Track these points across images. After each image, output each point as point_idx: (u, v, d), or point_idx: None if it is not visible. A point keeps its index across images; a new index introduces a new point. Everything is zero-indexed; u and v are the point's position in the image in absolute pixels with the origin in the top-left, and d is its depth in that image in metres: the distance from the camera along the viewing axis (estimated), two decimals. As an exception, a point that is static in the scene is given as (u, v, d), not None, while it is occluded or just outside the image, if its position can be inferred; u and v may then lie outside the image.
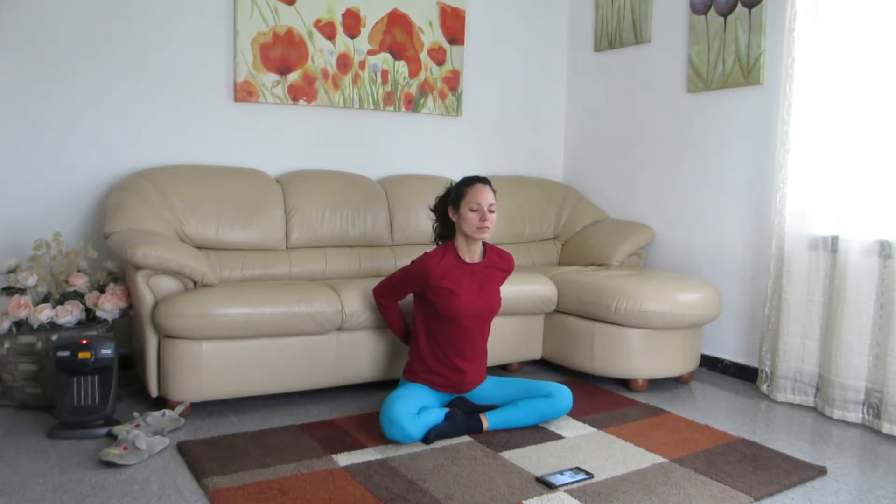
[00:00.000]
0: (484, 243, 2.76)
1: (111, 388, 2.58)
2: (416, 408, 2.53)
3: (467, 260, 2.70)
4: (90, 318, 2.86)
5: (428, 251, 2.72)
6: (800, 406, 3.13)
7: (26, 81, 3.11)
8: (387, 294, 2.83)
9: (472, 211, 2.62)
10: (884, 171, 2.85)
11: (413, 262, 2.71)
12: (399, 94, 3.97)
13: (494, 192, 2.70)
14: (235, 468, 2.26)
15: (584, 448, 2.53)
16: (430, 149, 4.13)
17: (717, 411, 3.04)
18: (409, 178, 3.88)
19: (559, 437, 2.63)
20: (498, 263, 2.79)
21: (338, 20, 3.74)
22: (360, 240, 3.59)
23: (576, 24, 4.51)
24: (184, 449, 2.41)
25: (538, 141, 4.55)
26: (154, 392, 2.73)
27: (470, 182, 2.69)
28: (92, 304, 2.82)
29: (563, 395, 2.72)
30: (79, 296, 2.85)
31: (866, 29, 2.89)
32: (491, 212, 2.64)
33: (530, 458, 2.42)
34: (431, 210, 2.84)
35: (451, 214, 2.70)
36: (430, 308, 2.66)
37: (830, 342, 2.98)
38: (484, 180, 2.70)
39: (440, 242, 2.81)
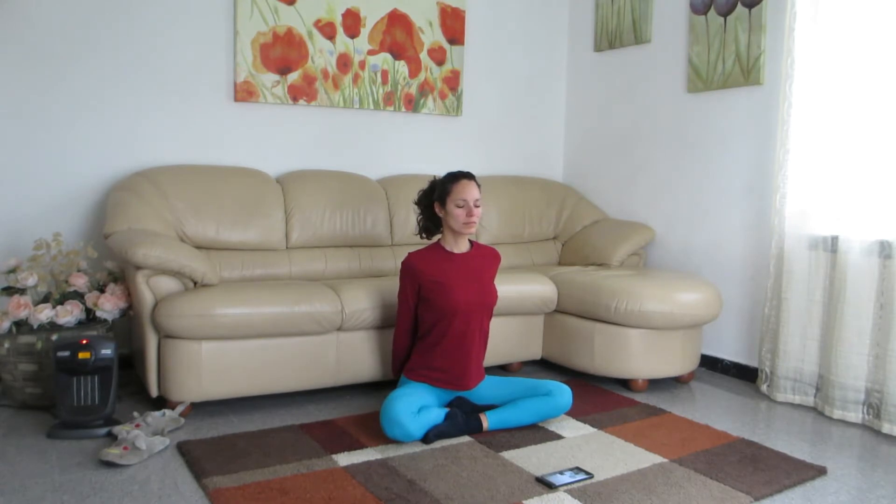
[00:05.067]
0: (470, 240, 2.82)
1: (111, 388, 2.58)
2: (417, 406, 2.53)
3: (456, 251, 2.74)
4: (90, 318, 2.86)
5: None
6: (800, 406, 3.13)
7: (26, 81, 3.11)
8: (401, 323, 2.77)
9: (458, 207, 2.67)
10: (884, 171, 2.84)
11: (400, 268, 2.75)
12: (399, 94, 3.97)
13: (479, 185, 2.73)
14: (235, 468, 2.26)
15: (584, 448, 2.53)
16: (430, 149, 4.13)
17: (717, 411, 3.04)
18: (409, 178, 3.88)
19: (559, 437, 2.63)
20: (486, 251, 2.84)
21: (338, 20, 3.74)
22: (360, 240, 3.59)
23: (576, 24, 4.51)
24: (184, 449, 2.41)
25: (538, 141, 4.55)
26: (154, 392, 2.73)
27: (455, 178, 2.71)
28: (92, 304, 2.82)
29: (563, 393, 2.72)
30: (79, 296, 2.85)
31: (866, 29, 2.88)
32: (477, 206, 2.68)
33: (530, 458, 2.42)
34: (415, 203, 2.87)
35: (437, 210, 2.75)
36: (428, 305, 2.67)
37: (830, 342, 2.98)
38: (468, 175, 2.73)
39: (424, 235, 2.86)
